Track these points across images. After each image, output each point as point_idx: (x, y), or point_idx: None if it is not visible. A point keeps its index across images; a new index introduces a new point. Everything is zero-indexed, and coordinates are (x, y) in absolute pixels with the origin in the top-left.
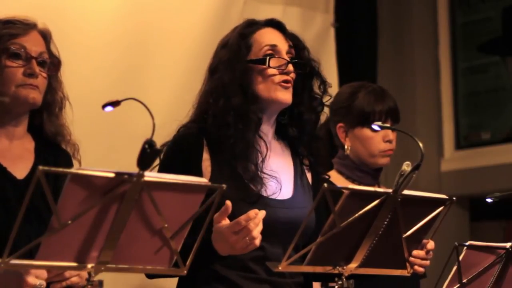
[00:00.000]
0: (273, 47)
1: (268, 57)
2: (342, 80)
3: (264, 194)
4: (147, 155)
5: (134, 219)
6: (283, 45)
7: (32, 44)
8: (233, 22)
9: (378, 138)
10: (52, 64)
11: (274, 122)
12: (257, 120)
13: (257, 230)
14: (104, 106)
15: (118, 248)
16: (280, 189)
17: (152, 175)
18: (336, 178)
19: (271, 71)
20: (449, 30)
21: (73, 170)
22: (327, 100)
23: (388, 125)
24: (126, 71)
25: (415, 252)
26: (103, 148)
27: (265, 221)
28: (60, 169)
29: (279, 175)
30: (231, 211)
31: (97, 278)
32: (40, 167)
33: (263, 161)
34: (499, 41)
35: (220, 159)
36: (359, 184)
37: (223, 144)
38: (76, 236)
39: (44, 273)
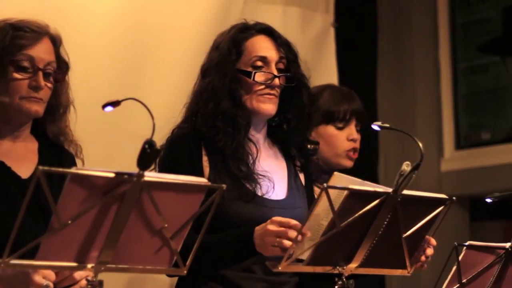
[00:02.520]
0: (263, 58)
1: (254, 71)
2: (342, 80)
3: (259, 194)
4: (147, 155)
5: (134, 219)
6: (273, 57)
7: (41, 53)
8: (233, 22)
9: (342, 136)
10: (60, 70)
11: (263, 127)
12: (245, 124)
13: (287, 242)
14: (104, 106)
15: (118, 248)
16: (273, 189)
17: (152, 175)
18: None
19: (256, 84)
20: (449, 30)
21: (73, 170)
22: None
23: (387, 125)
24: (126, 71)
25: (429, 251)
26: (103, 148)
27: (261, 220)
28: (60, 169)
29: (272, 175)
30: (227, 209)
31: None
32: (40, 167)
33: (254, 162)
34: (499, 41)
35: (216, 158)
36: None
37: (215, 145)
38: (76, 236)
39: (52, 274)
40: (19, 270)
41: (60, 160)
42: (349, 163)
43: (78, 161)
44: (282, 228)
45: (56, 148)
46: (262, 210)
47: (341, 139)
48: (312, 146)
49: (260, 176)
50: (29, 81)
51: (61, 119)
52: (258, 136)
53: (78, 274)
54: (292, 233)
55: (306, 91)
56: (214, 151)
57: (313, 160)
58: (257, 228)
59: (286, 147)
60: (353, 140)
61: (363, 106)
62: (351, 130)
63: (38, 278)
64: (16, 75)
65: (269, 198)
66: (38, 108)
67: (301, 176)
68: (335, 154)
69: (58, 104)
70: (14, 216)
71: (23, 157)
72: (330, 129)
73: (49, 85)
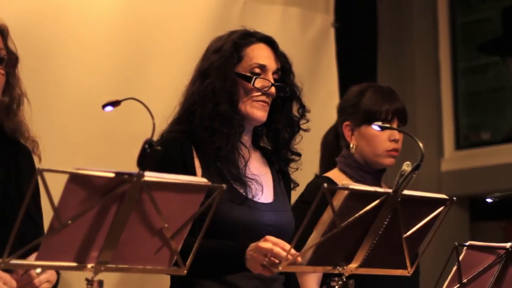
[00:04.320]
0: (262, 66)
1: (255, 77)
2: (342, 80)
3: (250, 196)
4: (147, 155)
5: (134, 219)
6: (271, 66)
7: None
8: (233, 23)
9: (383, 136)
10: (10, 60)
11: (251, 133)
12: (240, 127)
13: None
14: (104, 106)
15: (118, 248)
16: (262, 192)
17: (152, 175)
18: (339, 178)
19: (254, 90)
20: (449, 30)
21: (73, 170)
22: (304, 123)
23: (388, 125)
24: (126, 71)
25: None
26: (102, 148)
27: (253, 223)
28: (60, 169)
29: (261, 179)
30: (219, 211)
31: (97, 278)
32: (40, 167)
33: (246, 165)
34: (499, 41)
35: (207, 161)
36: (362, 184)
37: (208, 146)
38: (76, 236)
39: (13, 282)
40: None
41: (17, 156)
42: (389, 161)
43: (34, 157)
44: (276, 248)
45: (12, 144)
46: (254, 213)
47: (382, 140)
48: (293, 156)
49: (250, 179)
50: None
51: (16, 114)
52: (248, 140)
53: (38, 281)
54: (277, 252)
55: (298, 103)
56: (205, 153)
57: (352, 156)
58: (251, 244)
59: (268, 154)
60: (395, 141)
61: (404, 105)
62: (393, 131)
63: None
64: None
65: (259, 201)
66: None
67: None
68: (375, 154)
69: (12, 99)
70: None
71: None
72: (372, 130)
73: (2, 71)
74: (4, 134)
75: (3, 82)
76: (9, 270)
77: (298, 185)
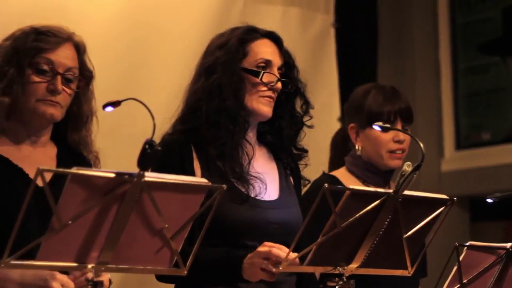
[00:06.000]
0: (267, 62)
1: (262, 71)
2: (342, 80)
3: (252, 195)
4: (147, 155)
5: (134, 219)
6: (276, 61)
7: (62, 58)
8: (233, 23)
9: (387, 137)
10: (82, 78)
11: (255, 129)
12: (245, 123)
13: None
14: (104, 106)
15: (118, 248)
16: (266, 190)
17: (152, 175)
18: (346, 177)
19: (261, 85)
20: (449, 30)
21: (73, 170)
22: (307, 120)
23: (388, 125)
24: (126, 71)
25: None
26: (102, 148)
27: (256, 221)
28: (60, 169)
29: (264, 177)
30: (220, 211)
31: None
32: (40, 167)
33: (249, 163)
34: (499, 41)
35: (208, 160)
36: (369, 184)
37: (211, 144)
38: (76, 236)
39: (70, 283)
40: (38, 276)
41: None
42: (394, 163)
43: None
44: (274, 249)
45: (75, 155)
46: (255, 211)
47: (386, 140)
48: (299, 152)
49: (253, 178)
50: (47, 85)
51: (82, 128)
52: (252, 138)
53: None
54: (273, 253)
55: (302, 99)
56: (206, 152)
57: (360, 157)
58: (249, 255)
59: (275, 150)
60: (399, 142)
61: (408, 104)
62: (397, 131)
63: (56, 285)
64: (35, 78)
65: (262, 199)
66: (54, 112)
67: (291, 179)
68: (379, 156)
69: (81, 113)
70: (27, 224)
71: (41, 164)
72: (375, 132)
73: (69, 91)
74: (68, 145)
75: (69, 101)
76: (66, 272)
77: (309, 181)
